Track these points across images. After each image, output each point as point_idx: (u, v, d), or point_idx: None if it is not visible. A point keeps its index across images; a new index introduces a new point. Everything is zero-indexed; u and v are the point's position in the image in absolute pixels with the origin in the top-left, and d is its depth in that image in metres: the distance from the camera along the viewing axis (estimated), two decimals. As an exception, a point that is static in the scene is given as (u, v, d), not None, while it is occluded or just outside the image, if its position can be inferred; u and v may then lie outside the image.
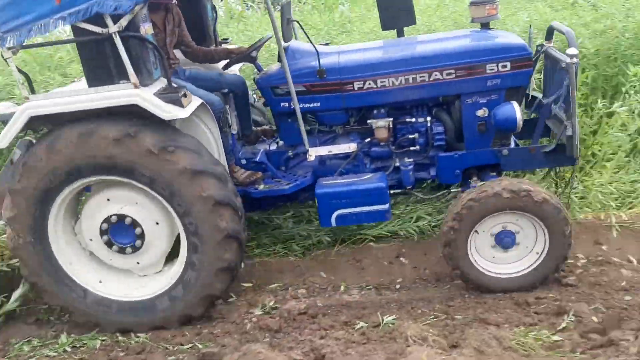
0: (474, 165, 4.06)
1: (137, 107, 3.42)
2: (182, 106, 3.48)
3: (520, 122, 3.74)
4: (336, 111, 4.08)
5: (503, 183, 3.61)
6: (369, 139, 4.13)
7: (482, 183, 3.78)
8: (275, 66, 4.18)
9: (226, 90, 4.21)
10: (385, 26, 4.43)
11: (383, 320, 3.52)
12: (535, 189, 3.57)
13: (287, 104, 4.05)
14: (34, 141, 3.90)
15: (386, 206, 3.88)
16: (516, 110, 3.72)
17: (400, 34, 4.43)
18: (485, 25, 4.06)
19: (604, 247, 4.26)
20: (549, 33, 4.08)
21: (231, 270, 3.81)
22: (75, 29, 3.44)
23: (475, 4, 3.96)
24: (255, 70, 4.31)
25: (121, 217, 3.78)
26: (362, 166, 4.20)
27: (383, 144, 4.12)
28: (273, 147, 4.38)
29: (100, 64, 3.51)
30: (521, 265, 3.77)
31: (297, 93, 3.93)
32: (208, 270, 3.76)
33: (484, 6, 3.92)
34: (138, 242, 3.83)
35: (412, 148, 4.11)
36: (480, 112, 3.92)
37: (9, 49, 3.40)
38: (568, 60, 3.48)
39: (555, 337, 3.18)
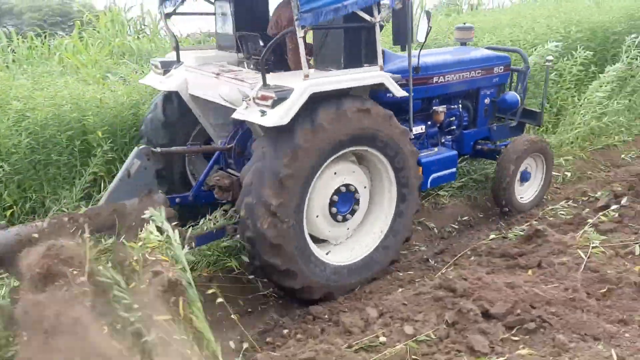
0: (477, 139, 6.07)
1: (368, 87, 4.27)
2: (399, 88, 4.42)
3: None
4: (418, 100, 5.17)
5: (525, 137, 5.90)
6: (429, 122, 5.57)
7: (513, 139, 5.99)
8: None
9: None
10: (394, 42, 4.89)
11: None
12: (539, 138, 5.95)
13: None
14: (154, 149, 4.16)
15: (455, 169, 5.47)
16: (517, 95, 5.95)
17: (403, 49, 4.77)
18: (463, 44, 6.21)
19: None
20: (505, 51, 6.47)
21: (417, 212, 4.88)
22: (345, 17, 4.01)
23: (461, 29, 6.15)
24: None
25: (346, 187, 4.35)
26: (424, 143, 5.63)
27: (437, 126, 5.66)
28: None
29: (356, 49, 4.19)
30: (532, 190, 6.02)
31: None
32: (409, 215, 4.69)
33: (469, 31, 6.10)
34: (355, 207, 4.47)
35: (451, 128, 5.78)
36: (487, 101, 5.99)
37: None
38: (546, 62, 6.07)
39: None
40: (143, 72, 6.59)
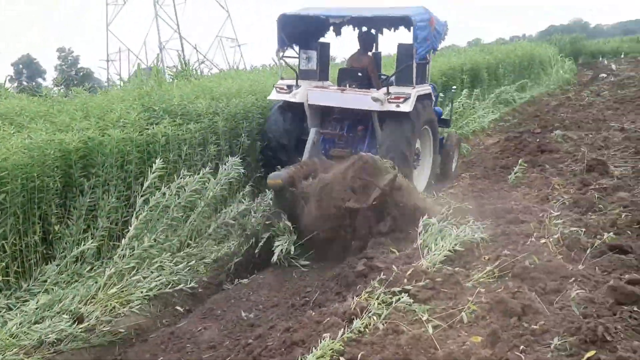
0: None
1: None
2: None
3: None
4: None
5: (452, 132, 9.45)
6: None
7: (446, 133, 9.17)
8: None
9: None
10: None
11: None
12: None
13: None
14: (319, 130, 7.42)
15: None
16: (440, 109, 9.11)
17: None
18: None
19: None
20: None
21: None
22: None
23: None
24: None
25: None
26: None
27: None
28: None
29: (420, 75, 7.65)
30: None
31: None
32: (437, 164, 8.58)
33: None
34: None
35: None
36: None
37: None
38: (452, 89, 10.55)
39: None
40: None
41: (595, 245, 4.43)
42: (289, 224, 5.68)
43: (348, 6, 7.62)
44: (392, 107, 6.85)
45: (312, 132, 7.04)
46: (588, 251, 4.39)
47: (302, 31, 7.81)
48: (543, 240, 4.55)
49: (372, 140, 7.41)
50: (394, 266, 4.28)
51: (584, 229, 4.69)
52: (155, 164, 5.41)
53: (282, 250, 5.56)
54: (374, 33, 8.20)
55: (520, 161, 7.53)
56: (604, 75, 23.49)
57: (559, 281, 3.85)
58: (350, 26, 7.90)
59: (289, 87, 7.49)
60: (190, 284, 5.11)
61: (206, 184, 6.06)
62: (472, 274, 4.14)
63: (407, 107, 6.79)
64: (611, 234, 4.55)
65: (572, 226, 4.84)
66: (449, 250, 4.51)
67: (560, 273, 3.95)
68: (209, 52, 42.82)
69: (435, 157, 8.07)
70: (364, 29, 8.07)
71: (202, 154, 6.61)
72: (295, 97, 7.40)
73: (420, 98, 7.19)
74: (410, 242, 5.31)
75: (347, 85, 7.66)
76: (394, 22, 7.79)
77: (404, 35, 7.74)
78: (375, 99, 6.86)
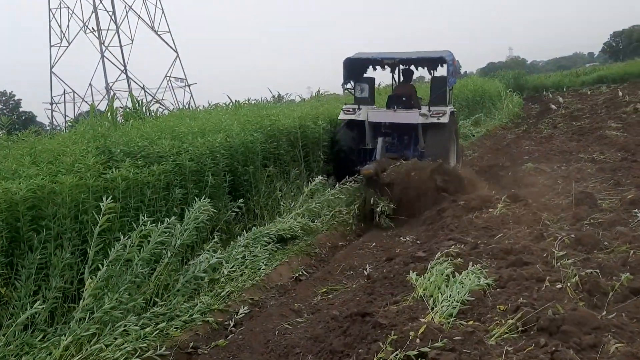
0: None
1: None
2: None
3: None
4: None
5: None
6: None
7: None
8: None
9: None
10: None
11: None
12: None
13: None
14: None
15: None
16: None
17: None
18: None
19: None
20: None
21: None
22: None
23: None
24: None
25: None
26: None
27: None
28: None
29: (446, 97, 10.26)
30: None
31: None
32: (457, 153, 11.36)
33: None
34: None
35: None
36: None
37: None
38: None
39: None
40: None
41: (616, 288, 4.04)
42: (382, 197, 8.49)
43: (392, 51, 11.05)
44: (435, 120, 9.63)
45: (380, 141, 9.86)
46: (610, 296, 3.99)
47: (358, 70, 10.89)
48: (559, 285, 4.13)
49: (415, 147, 10.22)
50: (401, 324, 3.75)
51: (597, 271, 4.30)
52: (107, 206, 4.76)
53: (381, 211, 8.39)
54: (412, 69, 11.40)
55: (504, 197, 7.19)
56: (555, 107, 24.00)
57: (592, 334, 3.41)
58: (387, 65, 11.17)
59: (353, 110, 10.26)
60: (160, 350, 4.43)
61: (172, 231, 5.43)
62: (491, 329, 3.65)
63: (445, 120, 9.67)
64: (627, 274, 4.17)
65: (583, 267, 4.45)
66: (458, 302, 4.03)
67: (592, 324, 3.50)
68: (157, 92, 41.82)
69: (458, 151, 11.03)
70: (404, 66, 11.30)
71: (167, 198, 5.97)
72: (359, 116, 10.16)
73: (451, 114, 10.20)
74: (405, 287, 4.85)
75: (395, 107, 10.46)
76: (433, 61, 10.71)
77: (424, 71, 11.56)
78: (423, 114, 9.77)
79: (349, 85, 10.85)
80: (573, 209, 6.40)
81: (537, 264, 4.70)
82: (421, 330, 3.55)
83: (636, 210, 6.03)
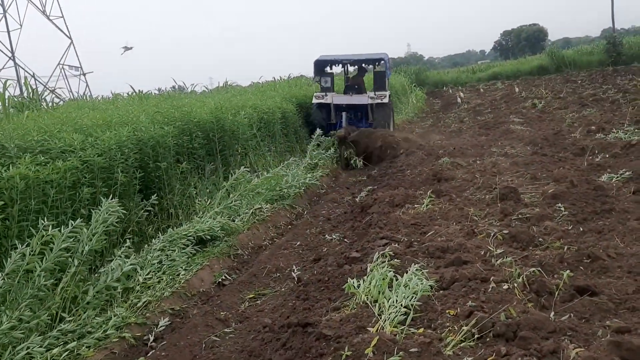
0: None
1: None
2: None
3: None
4: None
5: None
6: None
7: None
8: None
9: None
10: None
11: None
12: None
13: None
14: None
15: None
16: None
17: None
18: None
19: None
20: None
21: None
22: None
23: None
24: None
25: None
26: None
27: None
28: None
29: (385, 84, 15.07)
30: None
31: None
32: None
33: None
34: None
35: None
36: None
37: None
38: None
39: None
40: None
41: (560, 287, 3.97)
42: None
43: (348, 53, 15.86)
44: (379, 101, 14.04)
45: (344, 115, 14.02)
46: (556, 296, 3.90)
47: (323, 67, 15.33)
48: (506, 286, 3.99)
49: (366, 120, 14.52)
50: (349, 335, 3.45)
51: (539, 269, 4.21)
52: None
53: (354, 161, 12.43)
54: (364, 66, 16.26)
55: (429, 192, 7.09)
56: (459, 102, 24.80)
57: (550, 339, 3.27)
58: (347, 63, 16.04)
59: (322, 96, 14.24)
60: (70, 375, 3.85)
61: (78, 236, 4.81)
62: (445, 337, 3.43)
63: (386, 100, 14.24)
64: (568, 271, 4.12)
65: (524, 265, 4.36)
66: (405, 307, 3.79)
67: (547, 328, 3.38)
68: (49, 81, 38.88)
69: (394, 121, 15.78)
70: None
71: (74, 198, 5.30)
72: (326, 100, 14.22)
73: (389, 96, 14.72)
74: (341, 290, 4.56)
75: (351, 93, 14.78)
76: (375, 61, 15.86)
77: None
78: (371, 97, 14.11)
79: (320, 80, 15.08)
80: (499, 204, 6.40)
81: (477, 262, 4.57)
82: (373, 342, 3.26)
83: (559, 204, 6.10)
